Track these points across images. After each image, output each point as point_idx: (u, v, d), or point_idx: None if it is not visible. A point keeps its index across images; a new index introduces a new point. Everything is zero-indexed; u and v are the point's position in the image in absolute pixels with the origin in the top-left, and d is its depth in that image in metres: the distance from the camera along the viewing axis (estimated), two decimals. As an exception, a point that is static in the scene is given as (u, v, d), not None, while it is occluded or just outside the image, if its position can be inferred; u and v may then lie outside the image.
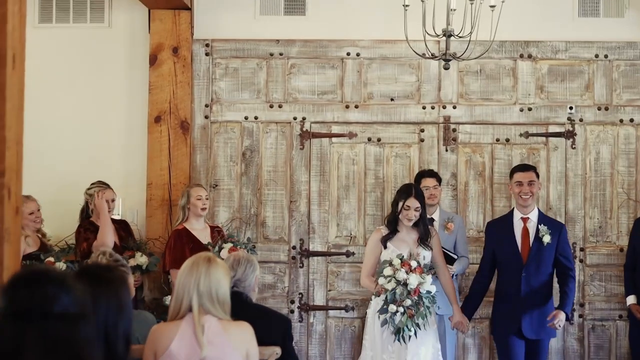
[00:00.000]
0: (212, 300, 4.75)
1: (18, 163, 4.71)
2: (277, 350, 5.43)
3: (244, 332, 4.84)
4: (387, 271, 7.24)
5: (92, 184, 8.50)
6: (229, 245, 8.25)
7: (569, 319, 7.91)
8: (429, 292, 7.23)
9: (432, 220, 8.30)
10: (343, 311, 9.07)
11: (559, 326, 7.64)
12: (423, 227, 7.62)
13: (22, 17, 4.75)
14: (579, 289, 8.95)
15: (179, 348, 4.70)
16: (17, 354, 3.03)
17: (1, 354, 3.05)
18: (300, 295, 9.11)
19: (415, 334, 7.20)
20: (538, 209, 8.04)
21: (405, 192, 7.63)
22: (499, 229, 7.98)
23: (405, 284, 7.17)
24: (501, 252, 7.87)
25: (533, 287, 7.70)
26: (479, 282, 8.00)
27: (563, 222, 8.76)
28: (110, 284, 3.93)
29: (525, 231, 7.83)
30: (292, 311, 9.08)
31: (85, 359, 3.13)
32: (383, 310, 7.21)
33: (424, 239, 7.59)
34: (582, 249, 9.02)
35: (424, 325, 7.23)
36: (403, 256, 7.33)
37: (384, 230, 7.66)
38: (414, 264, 7.25)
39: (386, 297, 7.19)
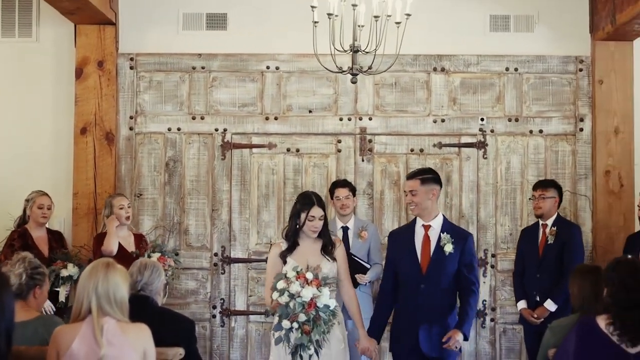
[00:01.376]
0: (110, 303, 4.94)
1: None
2: (180, 351, 5.64)
3: (142, 332, 5.03)
4: (280, 284, 6.43)
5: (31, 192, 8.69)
6: (158, 254, 8.48)
7: (467, 339, 6.91)
8: (327, 306, 6.39)
9: (347, 228, 8.52)
10: (263, 316, 9.20)
11: (455, 347, 6.76)
12: (326, 236, 7.04)
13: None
14: (491, 294, 9.26)
15: (79, 348, 4.87)
16: None
17: None
18: (222, 301, 9.34)
19: (317, 353, 6.42)
20: (444, 216, 7.14)
21: (307, 202, 7.01)
22: (400, 237, 7.19)
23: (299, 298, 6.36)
24: (400, 262, 7.05)
25: (432, 300, 6.85)
26: (381, 304, 7.24)
27: (474, 230, 9.09)
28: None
29: (427, 240, 6.97)
30: (214, 316, 9.32)
31: None
32: (277, 327, 6.45)
33: (327, 246, 6.99)
34: (493, 255, 9.31)
35: (323, 343, 6.43)
36: (301, 268, 6.55)
37: (284, 245, 7.04)
38: (310, 276, 6.44)
39: (280, 313, 6.43)
